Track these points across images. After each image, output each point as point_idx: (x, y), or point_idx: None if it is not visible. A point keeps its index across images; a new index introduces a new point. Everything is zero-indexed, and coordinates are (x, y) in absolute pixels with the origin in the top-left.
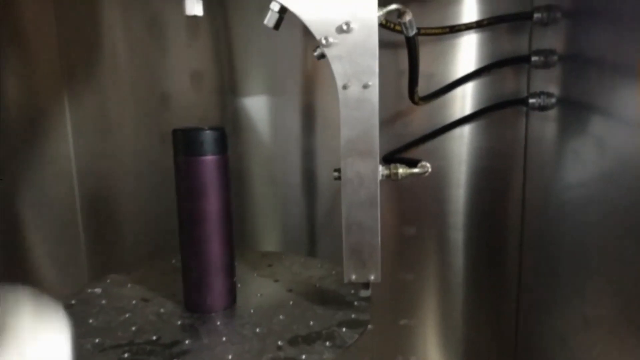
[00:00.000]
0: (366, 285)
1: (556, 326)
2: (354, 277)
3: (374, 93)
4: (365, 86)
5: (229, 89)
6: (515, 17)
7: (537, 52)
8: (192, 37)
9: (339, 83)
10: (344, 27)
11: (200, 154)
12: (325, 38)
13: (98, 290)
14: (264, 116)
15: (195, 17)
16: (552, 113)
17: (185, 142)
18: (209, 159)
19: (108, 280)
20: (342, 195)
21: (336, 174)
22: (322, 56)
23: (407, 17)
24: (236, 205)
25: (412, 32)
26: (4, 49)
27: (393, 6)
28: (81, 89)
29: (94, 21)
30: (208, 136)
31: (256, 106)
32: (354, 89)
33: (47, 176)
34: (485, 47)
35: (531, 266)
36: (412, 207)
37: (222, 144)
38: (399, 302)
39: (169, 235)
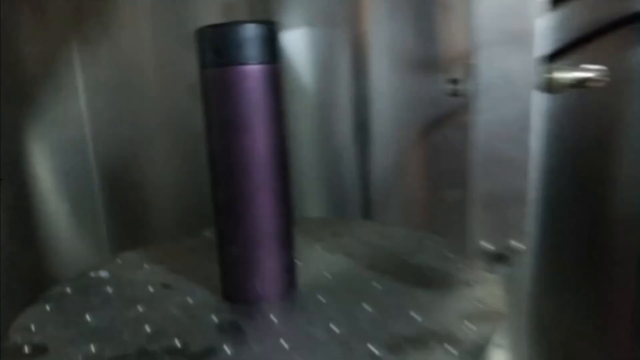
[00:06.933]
0: (500, 257)
1: None
2: (484, 241)
3: None
4: None
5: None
6: None
7: None
8: None
9: None
10: None
11: (240, 61)
12: None
13: (104, 273)
14: (307, 54)
15: None
16: None
17: (215, 45)
18: (254, 70)
19: (119, 261)
20: (473, 115)
21: (450, 86)
22: None
23: None
24: None
25: None
26: None
27: None
28: (93, 32)
29: None
30: (251, 33)
31: (296, 41)
32: None
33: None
34: None
35: None
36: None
37: (273, 47)
38: None
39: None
